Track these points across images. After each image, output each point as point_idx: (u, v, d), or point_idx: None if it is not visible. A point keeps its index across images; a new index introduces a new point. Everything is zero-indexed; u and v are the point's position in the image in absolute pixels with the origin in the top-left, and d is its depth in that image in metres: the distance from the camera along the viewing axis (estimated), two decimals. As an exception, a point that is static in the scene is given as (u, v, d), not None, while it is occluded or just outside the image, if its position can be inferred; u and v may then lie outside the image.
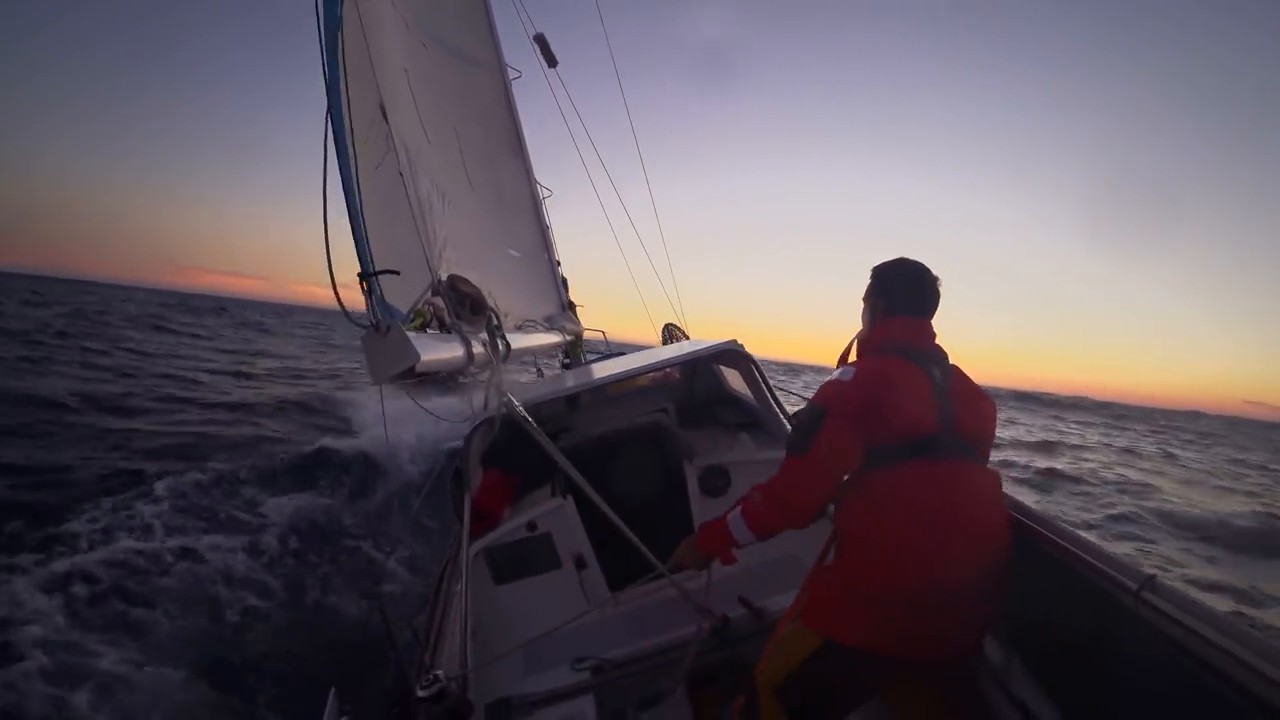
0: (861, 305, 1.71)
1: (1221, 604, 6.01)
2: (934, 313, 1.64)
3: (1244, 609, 6.02)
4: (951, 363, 1.61)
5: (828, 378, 1.59)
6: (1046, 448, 17.57)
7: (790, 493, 1.53)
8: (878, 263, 1.70)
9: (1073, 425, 30.72)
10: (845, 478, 1.53)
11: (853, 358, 1.67)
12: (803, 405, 1.71)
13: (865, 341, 1.65)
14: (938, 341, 1.63)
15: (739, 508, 1.62)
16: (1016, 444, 17.25)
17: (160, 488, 5.89)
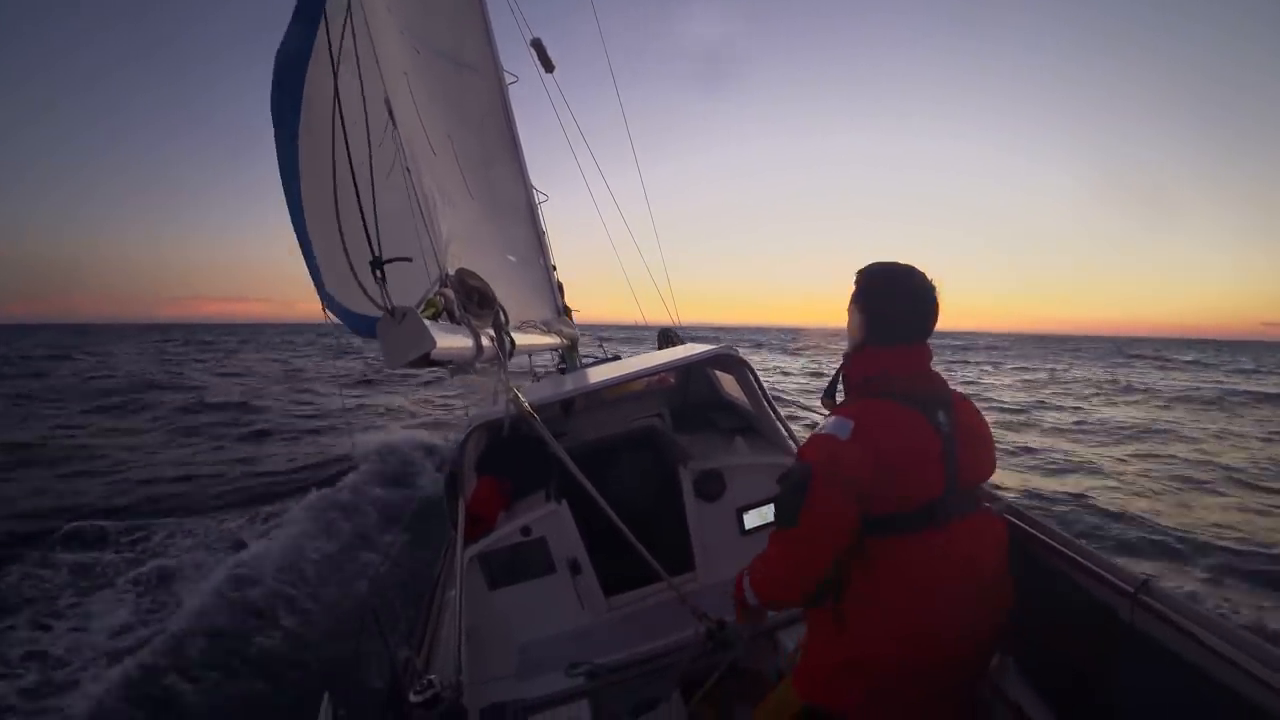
0: (847, 309, 1.46)
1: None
2: (932, 332, 1.39)
3: None
4: (952, 390, 1.41)
5: (818, 427, 1.36)
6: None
7: (782, 570, 1.37)
8: (867, 264, 1.43)
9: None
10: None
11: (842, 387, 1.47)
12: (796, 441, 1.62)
13: (856, 374, 1.42)
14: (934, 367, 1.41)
15: (747, 573, 1.53)
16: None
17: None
